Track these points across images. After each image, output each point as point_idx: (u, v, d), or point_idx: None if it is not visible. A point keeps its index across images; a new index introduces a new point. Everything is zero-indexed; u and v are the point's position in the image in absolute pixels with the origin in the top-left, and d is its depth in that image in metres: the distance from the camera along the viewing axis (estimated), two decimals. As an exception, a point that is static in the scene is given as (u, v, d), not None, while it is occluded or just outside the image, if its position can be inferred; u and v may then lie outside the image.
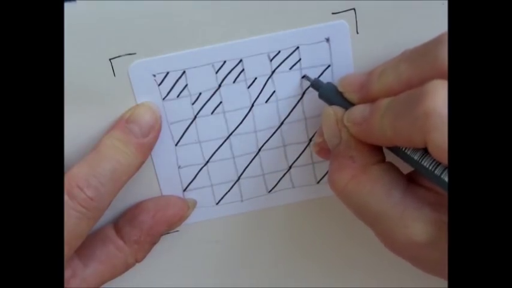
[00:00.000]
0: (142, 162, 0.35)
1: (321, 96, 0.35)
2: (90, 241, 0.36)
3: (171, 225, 0.38)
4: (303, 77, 0.36)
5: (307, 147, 0.38)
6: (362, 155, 0.32)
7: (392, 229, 0.31)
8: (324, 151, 0.36)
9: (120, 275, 0.37)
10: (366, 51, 0.36)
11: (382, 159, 0.33)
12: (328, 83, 0.35)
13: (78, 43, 0.33)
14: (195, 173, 0.38)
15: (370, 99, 0.32)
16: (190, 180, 0.38)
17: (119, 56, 0.34)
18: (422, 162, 0.30)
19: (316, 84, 0.35)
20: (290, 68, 0.36)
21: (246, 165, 0.38)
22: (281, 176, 0.39)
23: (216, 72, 0.36)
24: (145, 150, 0.35)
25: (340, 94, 0.34)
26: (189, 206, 0.38)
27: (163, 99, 0.36)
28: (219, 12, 0.34)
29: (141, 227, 0.37)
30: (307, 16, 0.35)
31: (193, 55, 0.35)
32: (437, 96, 0.28)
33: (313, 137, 0.38)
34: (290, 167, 0.39)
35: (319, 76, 0.36)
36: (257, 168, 0.38)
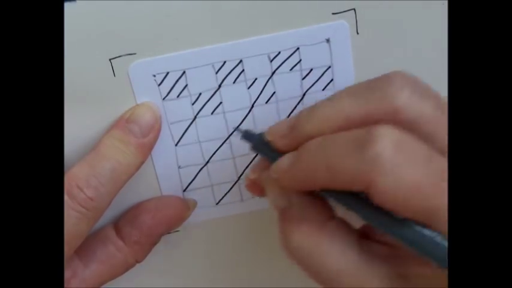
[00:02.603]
0: (142, 162, 0.35)
1: (252, 149, 0.33)
2: (90, 241, 0.36)
3: (171, 225, 0.38)
4: (236, 129, 0.35)
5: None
6: (316, 213, 0.31)
7: (348, 285, 0.30)
8: (258, 188, 0.34)
9: (120, 275, 0.37)
10: (366, 51, 0.36)
11: (333, 216, 0.32)
12: (259, 134, 0.33)
13: (78, 43, 0.33)
14: (195, 173, 0.38)
15: (302, 142, 0.31)
16: (190, 180, 0.38)
17: (119, 56, 0.34)
18: (366, 210, 0.29)
19: (246, 136, 0.34)
20: (290, 69, 0.36)
21: (246, 165, 0.38)
22: (281, 176, 0.39)
23: (216, 73, 0.36)
24: (145, 150, 0.35)
25: (270, 146, 0.32)
26: (189, 207, 0.38)
27: (163, 99, 0.36)
28: (219, 12, 0.34)
29: (141, 228, 0.37)
30: (307, 16, 0.35)
31: (193, 55, 0.35)
32: (387, 141, 0.27)
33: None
34: (290, 168, 0.38)
35: (320, 77, 0.36)
36: (257, 169, 0.38)
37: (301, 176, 0.30)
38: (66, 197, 0.32)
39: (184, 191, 0.38)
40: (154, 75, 0.35)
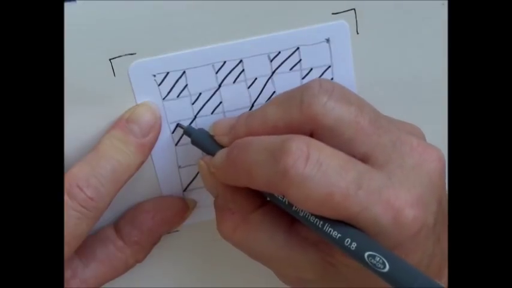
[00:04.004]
0: (143, 162, 0.35)
1: (193, 143, 0.35)
2: (91, 241, 0.36)
3: (171, 225, 0.38)
4: (177, 125, 0.36)
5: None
6: (239, 206, 0.33)
7: (281, 268, 0.33)
8: None
9: (120, 275, 0.37)
10: (366, 51, 0.36)
11: (262, 203, 0.33)
12: (200, 129, 0.35)
13: (78, 43, 0.33)
14: (195, 173, 0.38)
15: None
16: (190, 180, 0.38)
17: (119, 56, 0.34)
18: (293, 207, 0.31)
19: (188, 131, 0.36)
20: (290, 69, 0.36)
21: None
22: (281, 176, 0.39)
23: (216, 73, 0.36)
24: (145, 150, 0.35)
25: (212, 139, 0.34)
26: (189, 207, 0.38)
27: (163, 99, 0.36)
28: (219, 12, 0.34)
29: (141, 228, 0.37)
30: (307, 16, 0.34)
31: (193, 55, 0.35)
32: (297, 153, 0.29)
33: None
34: (290, 167, 0.38)
35: (320, 77, 0.36)
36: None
37: (230, 175, 0.32)
38: (66, 197, 0.32)
39: (184, 190, 0.38)
40: (154, 75, 0.35)
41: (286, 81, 0.36)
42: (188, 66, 0.35)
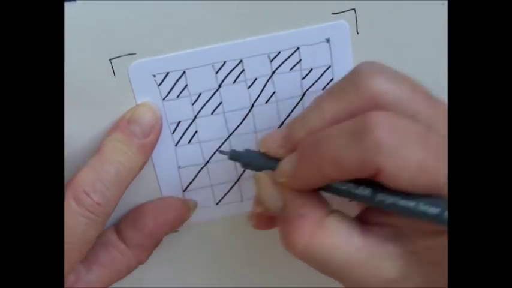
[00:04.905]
0: (145, 163, 0.35)
1: (244, 166, 0.34)
2: (93, 245, 0.36)
3: (172, 227, 0.38)
4: (219, 152, 0.36)
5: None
6: (313, 210, 0.31)
7: (362, 275, 0.30)
8: (264, 222, 0.35)
9: (123, 278, 0.37)
10: (366, 51, 0.36)
11: (331, 210, 0.32)
12: (247, 150, 0.34)
13: (78, 43, 0.33)
14: (195, 173, 0.38)
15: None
16: (191, 180, 0.38)
17: (119, 56, 0.34)
18: (376, 197, 0.30)
19: (234, 156, 0.34)
20: (290, 69, 0.36)
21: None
22: (281, 176, 0.39)
23: (216, 73, 0.36)
24: (147, 151, 0.35)
25: (264, 156, 0.33)
26: (189, 208, 0.38)
27: (163, 99, 0.36)
28: (219, 12, 0.34)
29: (143, 230, 0.37)
30: (307, 16, 0.35)
31: (193, 55, 0.35)
32: (384, 125, 0.28)
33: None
34: (290, 168, 0.38)
35: (320, 77, 0.36)
36: (257, 169, 0.38)
37: (307, 175, 0.31)
38: (73, 204, 0.32)
39: (185, 191, 0.38)
40: (154, 75, 0.35)
41: (286, 82, 0.36)
42: (188, 66, 0.35)
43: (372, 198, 0.30)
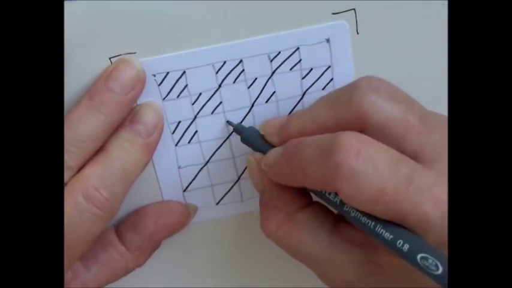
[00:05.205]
0: (148, 162, 0.35)
1: (243, 140, 0.36)
2: (93, 244, 0.36)
3: (172, 231, 0.38)
4: (227, 122, 0.37)
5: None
6: (285, 204, 0.33)
7: (324, 269, 0.32)
8: None
9: (120, 279, 0.37)
10: (366, 51, 0.36)
11: (308, 203, 0.33)
12: (250, 127, 0.36)
13: (78, 43, 0.33)
14: (195, 173, 0.38)
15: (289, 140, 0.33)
16: (191, 180, 0.38)
17: (119, 55, 0.34)
18: (344, 207, 0.30)
19: (238, 128, 0.36)
20: (290, 69, 0.36)
21: (246, 165, 0.38)
22: (281, 176, 0.39)
23: (216, 73, 0.36)
24: (151, 150, 0.35)
25: (262, 137, 0.35)
26: (190, 212, 0.38)
27: (163, 99, 0.36)
28: (219, 12, 0.34)
29: (143, 234, 0.37)
30: (307, 16, 0.35)
31: (194, 55, 0.35)
32: (349, 148, 0.28)
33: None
34: (290, 168, 0.38)
35: (320, 77, 0.36)
36: (257, 169, 0.38)
37: (283, 174, 0.32)
38: (82, 199, 0.32)
39: (185, 191, 0.38)
40: (154, 75, 0.35)
41: (286, 82, 0.36)
42: (188, 66, 0.35)
43: (339, 207, 0.31)
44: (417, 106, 0.31)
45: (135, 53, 0.34)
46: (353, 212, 0.30)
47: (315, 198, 0.33)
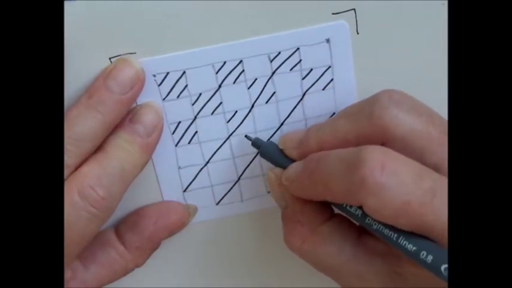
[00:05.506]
0: (147, 162, 0.35)
1: (262, 155, 0.36)
2: (91, 244, 0.36)
3: (172, 231, 0.38)
4: (245, 136, 0.37)
5: (308, 148, 0.38)
6: (309, 218, 0.33)
7: (349, 281, 0.32)
8: None
9: (119, 279, 0.37)
10: (366, 51, 0.36)
11: (331, 215, 0.34)
12: (269, 142, 0.36)
13: (78, 43, 0.33)
14: (195, 174, 0.38)
15: (309, 154, 0.33)
16: (191, 180, 0.38)
17: (119, 56, 0.34)
18: (366, 219, 0.31)
19: (256, 143, 0.36)
20: (290, 69, 0.36)
21: (246, 165, 0.38)
22: (281, 176, 0.39)
23: (216, 73, 0.36)
24: (150, 150, 0.35)
25: (281, 152, 0.35)
26: (190, 213, 0.38)
27: (163, 99, 0.36)
28: (219, 12, 0.34)
29: (143, 234, 0.37)
30: (307, 16, 0.35)
31: (194, 55, 0.35)
32: (374, 162, 0.29)
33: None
34: (290, 168, 0.38)
35: (320, 77, 0.36)
36: (257, 169, 0.38)
37: (304, 188, 0.32)
38: (77, 197, 0.32)
39: (185, 191, 0.38)
40: (155, 75, 0.35)
41: (287, 82, 0.36)
42: (188, 66, 0.35)
43: (361, 219, 0.31)
44: (438, 118, 0.32)
45: (135, 53, 0.34)
46: (375, 224, 0.30)
47: (336, 210, 0.33)
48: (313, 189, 0.32)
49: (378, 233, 0.30)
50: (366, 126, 0.31)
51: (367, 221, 0.30)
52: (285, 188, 0.34)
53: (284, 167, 0.34)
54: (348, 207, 0.31)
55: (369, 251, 0.32)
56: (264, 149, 0.36)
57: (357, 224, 0.33)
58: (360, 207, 0.30)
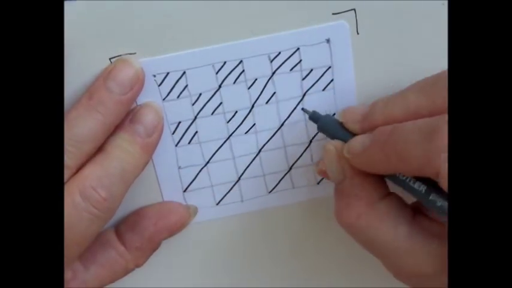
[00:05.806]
0: (147, 162, 0.35)
1: (320, 128, 0.35)
2: (92, 244, 0.36)
3: (172, 232, 0.38)
4: (302, 109, 0.36)
5: (308, 148, 0.38)
6: (367, 192, 0.33)
7: (401, 261, 0.32)
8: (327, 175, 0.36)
9: (119, 279, 0.37)
10: (366, 51, 0.36)
11: (387, 193, 0.33)
12: (327, 115, 0.36)
13: (78, 43, 0.33)
14: (195, 174, 0.38)
15: (373, 129, 0.32)
16: (191, 180, 0.38)
17: (119, 56, 0.34)
18: (430, 196, 0.30)
19: (314, 116, 0.36)
20: (290, 69, 0.36)
21: (246, 165, 0.38)
22: (281, 176, 0.39)
23: (217, 73, 0.36)
24: (150, 150, 0.35)
25: (341, 125, 0.34)
26: (190, 213, 0.38)
27: (164, 99, 0.36)
28: (219, 12, 0.34)
29: (143, 234, 0.37)
30: (307, 16, 0.35)
31: (194, 55, 0.35)
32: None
33: (314, 138, 0.38)
34: (290, 168, 0.38)
35: (320, 77, 0.36)
36: (257, 169, 0.38)
37: (374, 161, 0.32)
38: (79, 198, 0.32)
39: (185, 191, 0.38)
40: (155, 76, 0.35)
41: (287, 82, 0.36)
42: (188, 66, 0.35)
43: (425, 196, 0.30)
44: None
45: (135, 53, 0.34)
46: (440, 201, 0.30)
47: (393, 189, 0.33)
48: (385, 161, 0.31)
49: (440, 210, 0.30)
50: (439, 100, 0.30)
51: (431, 197, 0.30)
52: (345, 160, 0.33)
53: (345, 141, 0.33)
54: (411, 183, 0.31)
55: (425, 232, 0.31)
56: (323, 122, 0.35)
57: (417, 200, 0.32)
58: (426, 183, 0.30)
